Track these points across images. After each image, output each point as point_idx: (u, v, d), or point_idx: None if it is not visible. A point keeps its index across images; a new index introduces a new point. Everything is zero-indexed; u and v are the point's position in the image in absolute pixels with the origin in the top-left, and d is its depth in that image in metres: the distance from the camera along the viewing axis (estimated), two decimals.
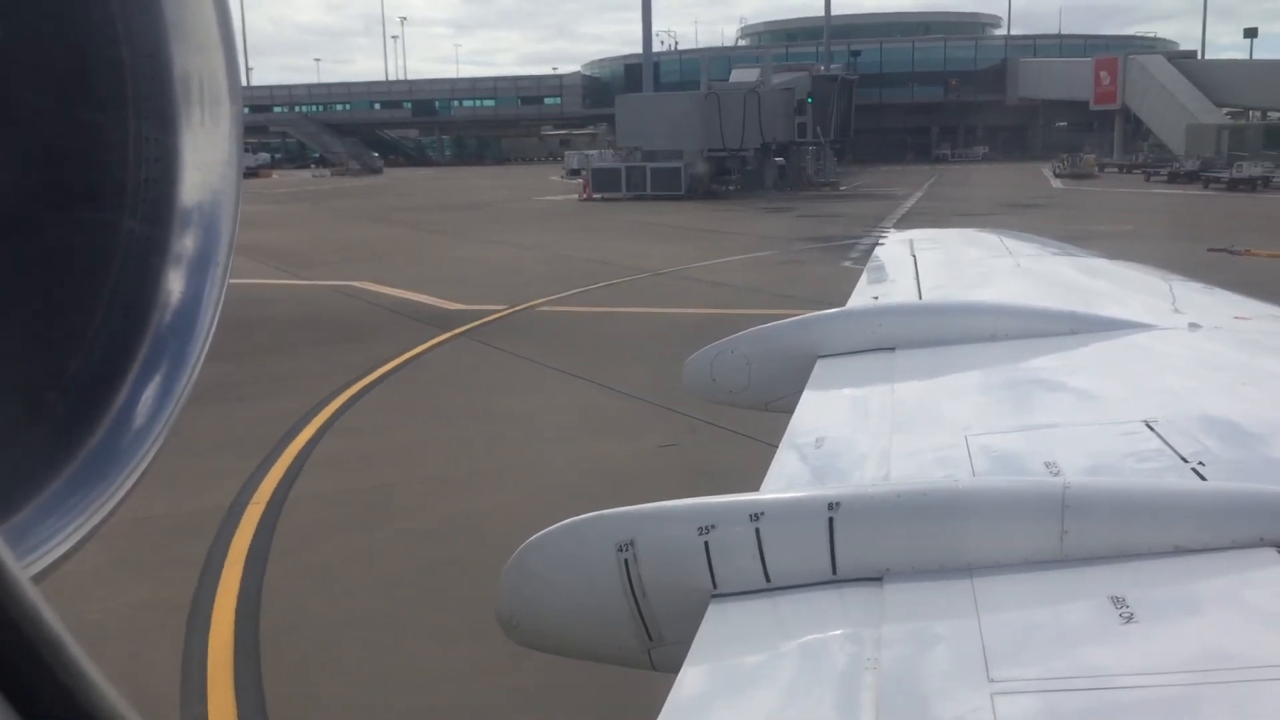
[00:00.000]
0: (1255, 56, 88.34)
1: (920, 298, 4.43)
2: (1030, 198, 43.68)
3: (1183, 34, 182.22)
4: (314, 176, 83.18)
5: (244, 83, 1.43)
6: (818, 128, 52.50)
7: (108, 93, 1.26)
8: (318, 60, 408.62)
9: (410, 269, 24.63)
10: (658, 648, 1.97)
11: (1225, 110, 65.30)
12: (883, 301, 4.26)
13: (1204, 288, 4.45)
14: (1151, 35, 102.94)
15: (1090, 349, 3.27)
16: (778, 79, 54.66)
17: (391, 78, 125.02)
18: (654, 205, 44.82)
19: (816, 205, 42.90)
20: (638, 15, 54.76)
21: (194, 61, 1.30)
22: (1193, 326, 3.47)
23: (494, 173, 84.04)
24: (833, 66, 68.33)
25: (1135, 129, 71.22)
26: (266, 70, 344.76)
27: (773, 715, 1.48)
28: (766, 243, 29.72)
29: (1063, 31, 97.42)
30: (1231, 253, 17.55)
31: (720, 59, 69.61)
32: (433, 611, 6.82)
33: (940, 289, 4.64)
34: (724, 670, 1.64)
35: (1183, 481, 1.99)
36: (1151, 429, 2.32)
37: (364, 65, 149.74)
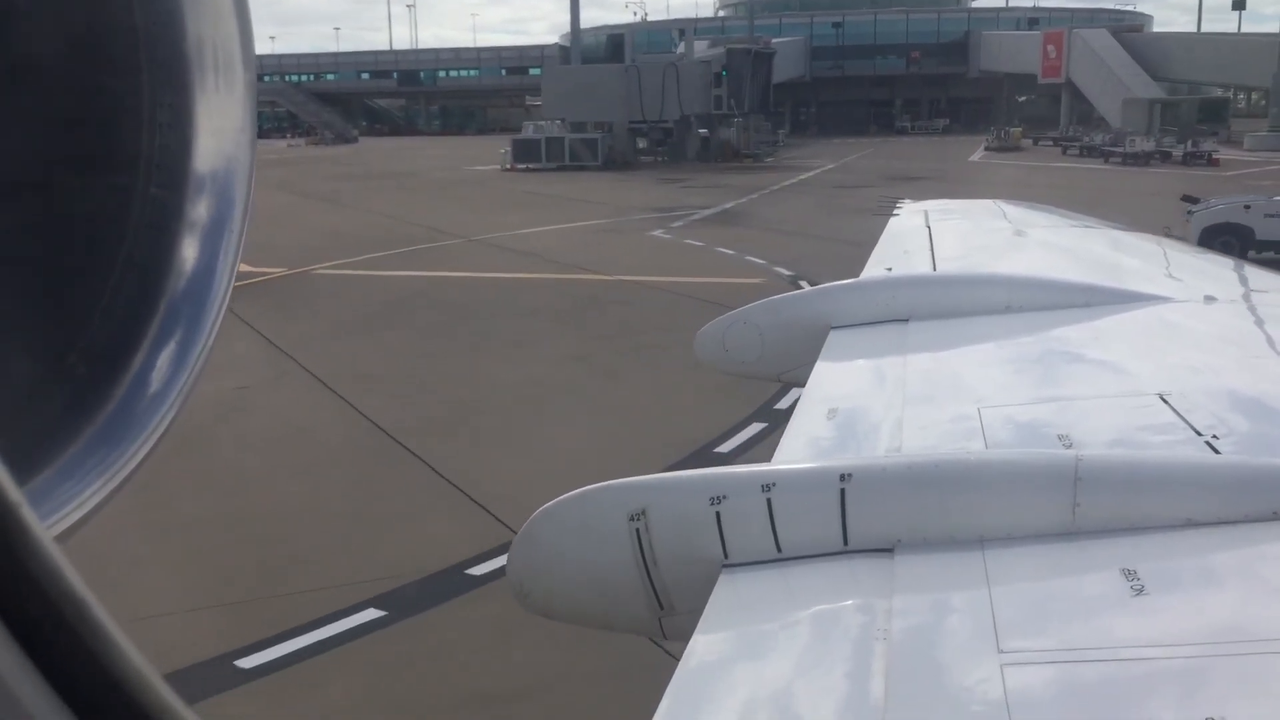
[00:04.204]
0: (1244, 29, 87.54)
1: (935, 269, 4.38)
2: (932, 171, 44.71)
3: (1210, 5, 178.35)
4: (289, 146, 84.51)
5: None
6: (732, 100, 53.59)
7: (123, 58, 1.24)
8: (337, 29, 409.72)
9: (251, 235, 26.22)
10: (668, 617, 1.99)
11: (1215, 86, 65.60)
12: (896, 273, 4.22)
13: (1221, 260, 4.48)
14: (1127, 9, 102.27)
15: (1105, 321, 3.23)
16: (709, 53, 55.73)
17: (415, 47, 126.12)
18: (564, 175, 46.20)
19: (716, 177, 44.15)
20: None
21: (208, 28, 1.29)
22: (1209, 299, 3.43)
23: (465, 143, 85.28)
24: (778, 39, 68.98)
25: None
26: (300, 39, 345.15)
27: (782, 684, 1.49)
28: (616, 211, 31.25)
29: (1037, 4, 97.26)
30: None
31: (662, 31, 70.03)
32: None
33: (955, 260, 4.56)
34: (734, 639, 1.66)
35: (1196, 455, 1.98)
36: (1166, 402, 2.30)
37: (395, 33, 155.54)
